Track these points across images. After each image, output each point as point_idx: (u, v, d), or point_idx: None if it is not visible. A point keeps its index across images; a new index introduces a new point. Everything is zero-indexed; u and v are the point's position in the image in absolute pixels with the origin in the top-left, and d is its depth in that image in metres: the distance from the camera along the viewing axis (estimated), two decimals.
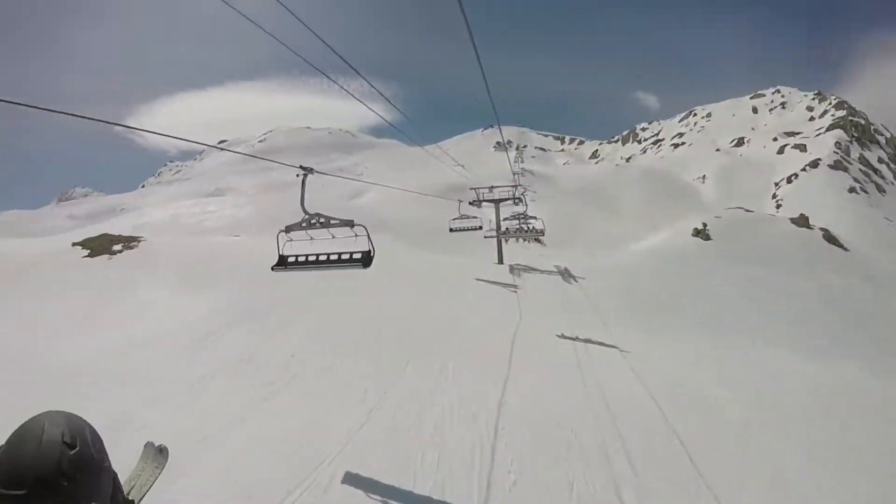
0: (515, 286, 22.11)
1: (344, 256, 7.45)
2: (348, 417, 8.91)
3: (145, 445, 2.50)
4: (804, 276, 30.97)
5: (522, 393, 10.31)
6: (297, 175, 7.86)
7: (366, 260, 7.33)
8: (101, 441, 1.57)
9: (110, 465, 1.59)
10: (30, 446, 1.42)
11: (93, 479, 1.48)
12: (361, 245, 7.29)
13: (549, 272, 26.73)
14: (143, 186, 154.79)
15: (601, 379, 11.59)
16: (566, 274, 26.18)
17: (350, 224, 7.39)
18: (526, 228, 27.59)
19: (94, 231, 27.93)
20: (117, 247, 21.63)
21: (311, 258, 7.73)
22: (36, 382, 10.16)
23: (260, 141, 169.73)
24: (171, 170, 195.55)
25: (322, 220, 7.59)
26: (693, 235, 36.28)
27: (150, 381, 10.34)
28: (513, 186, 31.99)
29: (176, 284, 17.84)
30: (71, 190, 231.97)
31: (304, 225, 7.70)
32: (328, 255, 7.56)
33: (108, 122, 4.44)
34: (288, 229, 7.79)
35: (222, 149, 18.93)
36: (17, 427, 1.48)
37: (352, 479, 6.93)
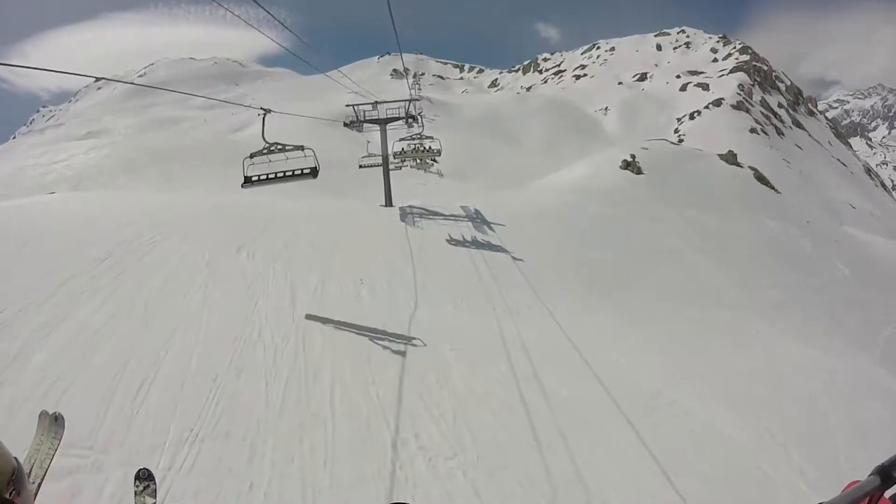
0: (410, 249, 14.29)
1: (297, 172, 9.89)
2: None
3: (40, 415, 2.50)
4: (747, 222, 26.96)
5: None
6: (259, 114, 9.52)
7: (314, 172, 9.93)
8: None
9: None
10: None
11: None
12: (310, 163, 9.86)
13: (456, 218, 19.04)
14: (13, 137, 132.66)
15: None
16: (479, 221, 18.74)
17: (301, 148, 9.70)
18: (422, 149, 23.11)
19: None
20: None
21: (272, 175, 9.90)
22: None
23: (140, 76, 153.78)
24: (43, 116, 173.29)
25: (279, 146, 9.54)
26: (622, 168, 30.11)
27: None
28: (406, 101, 23.67)
29: None
30: None
31: (264, 151, 9.50)
32: (284, 172, 9.87)
33: None
34: (252, 156, 9.70)
35: (98, 78, 10.11)
36: None
37: None
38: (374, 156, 24.82)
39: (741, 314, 15.86)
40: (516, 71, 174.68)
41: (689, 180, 30.75)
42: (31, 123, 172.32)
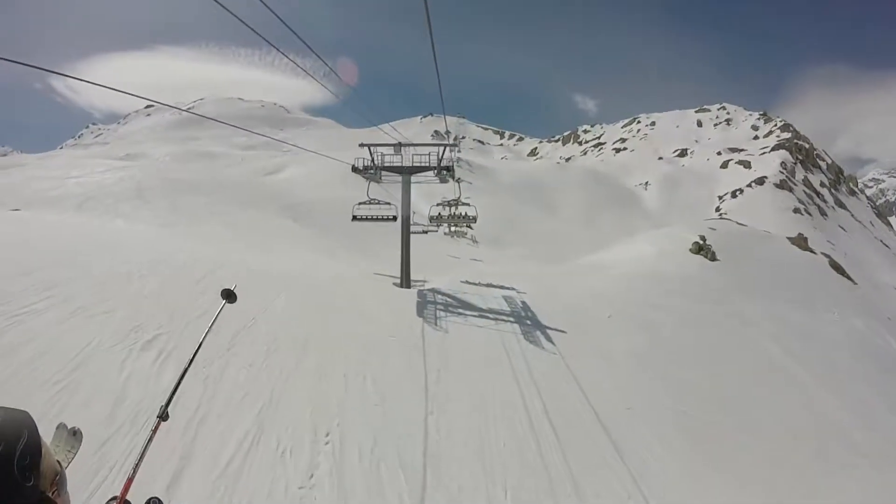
0: (424, 368, 8.96)
1: None
2: None
3: (57, 427, 2.09)
4: (837, 323, 22.20)
5: None
6: None
7: None
8: (35, 453, 1.18)
9: (36, 485, 1.18)
10: None
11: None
12: None
13: (497, 315, 13.34)
14: (61, 148, 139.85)
15: None
16: (528, 322, 13.19)
17: None
18: (458, 215, 20.96)
19: None
20: None
21: None
22: None
23: (188, 108, 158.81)
24: (92, 132, 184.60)
25: None
26: (693, 252, 24.92)
27: None
28: (439, 146, 18.58)
29: None
30: None
31: None
32: None
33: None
34: None
35: (151, 101, 6.21)
36: None
37: None
38: (378, 203, 18.94)
39: (879, 469, 11.42)
40: (556, 141, 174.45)
41: (766, 268, 26.23)
42: (79, 137, 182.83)
